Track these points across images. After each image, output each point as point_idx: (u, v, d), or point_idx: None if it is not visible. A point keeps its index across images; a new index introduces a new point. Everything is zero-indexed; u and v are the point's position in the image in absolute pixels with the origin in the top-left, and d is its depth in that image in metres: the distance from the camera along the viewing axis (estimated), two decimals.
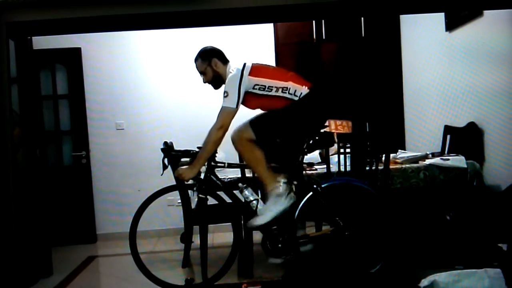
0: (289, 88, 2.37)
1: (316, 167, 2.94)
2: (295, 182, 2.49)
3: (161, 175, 2.62)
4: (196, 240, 2.72)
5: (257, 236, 2.65)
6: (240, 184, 2.50)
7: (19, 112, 2.96)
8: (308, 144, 2.53)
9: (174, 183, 2.82)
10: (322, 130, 2.60)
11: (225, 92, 2.37)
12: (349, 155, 2.70)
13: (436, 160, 2.86)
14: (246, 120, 2.39)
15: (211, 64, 2.50)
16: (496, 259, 2.15)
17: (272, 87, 2.38)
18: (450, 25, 3.32)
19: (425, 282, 2.07)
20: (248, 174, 2.71)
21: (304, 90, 2.37)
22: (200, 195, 2.45)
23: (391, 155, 2.81)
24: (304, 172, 2.57)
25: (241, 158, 2.63)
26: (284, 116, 2.39)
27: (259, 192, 2.60)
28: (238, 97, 2.34)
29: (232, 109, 2.34)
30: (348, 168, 2.69)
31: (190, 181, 2.50)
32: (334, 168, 2.72)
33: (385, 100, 4.30)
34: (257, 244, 2.63)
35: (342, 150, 2.69)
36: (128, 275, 2.96)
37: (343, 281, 2.49)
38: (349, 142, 2.76)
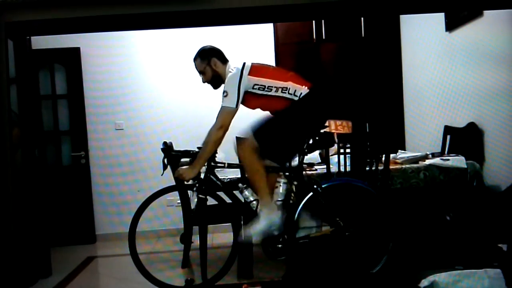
0: (289, 88, 2.36)
1: (316, 167, 2.93)
2: (295, 183, 2.49)
3: (161, 175, 2.62)
4: (196, 240, 2.71)
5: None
6: (240, 185, 2.50)
7: (18, 112, 2.95)
8: (308, 145, 2.52)
9: (174, 183, 2.81)
10: (322, 131, 2.60)
11: (224, 91, 2.36)
12: (349, 155, 2.70)
13: (436, 161, 2.86)
14: (249, 128, 2.37)
15: (210, 63, 2.49)
16: (496, 259, 2.15)
17: (272, 87, 2.37)
18: (450, 25, 3.32)
19: (425, 282, 2.07)
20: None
21: (304, 90, 2.36)
22: (200, 196, 2.44)
23: (391, 155, 2.81)
24: (304, 172, 2.57)
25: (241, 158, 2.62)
26: (285, 120, 2.38)
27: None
28: (238, 96, 2.34)
29: (232, 108, 2.34)
30: (348, 169, 2.69)
31: (190, 182, 2.50)
32: (334, 168, 2.72)
33: (385, 100, 4.30)
34: (257, 245, 2.63)
35: (342, 151, 2.68)
36: (128, 275, 2.95)
37: (343, 281, 2.49)
38: (349, 143, 2.76)
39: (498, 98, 2.78)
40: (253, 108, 2.49)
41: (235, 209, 2.57)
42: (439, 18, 3.41)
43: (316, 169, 2.88)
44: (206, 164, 2.43)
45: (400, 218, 2.56)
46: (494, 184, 2.80)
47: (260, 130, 2.36)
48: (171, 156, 2.73)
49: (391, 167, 2.72)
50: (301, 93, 2.36)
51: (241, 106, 2.40)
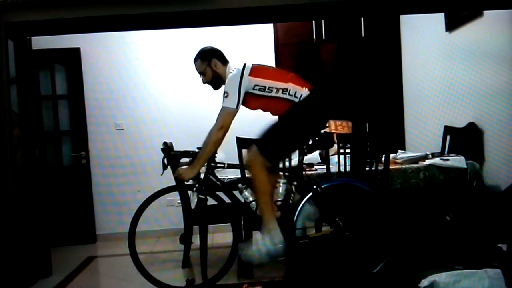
0: (289, 90, 2.36)
1: (316, 167, 2.94)
2: (295, 183, 2.49)
3: (161, 175, 2.62)
4: (196, 240, 2.72)
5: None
6: (240, 185, 2.50)
7: (18, 113, 2.96)
8: (308, 145, 2.52)
9: (174, 183, 2.81)
10: (322, 131, 2.59)
11: (225, 92, 2.36)
12: (349, 155, 2.70)
13: (436, 161, 2.86)
14: (255, 140, 2.34)
15: (210, 64, 2.49)
16: (496, 259, 2.15)
17: (272, 88, 2.37)
18: (450, 26, 3.33)
19: (425, 282, 2.07)
20: (248, 174, 2.71)
21: (304, 91, 2.36)
22: (200, 196, 2.44)
23: (391, 155, 2.81)
24: (304, 172, 2.57)
25: (241, 159, 2.62)
26: (286, 122, 2.36)
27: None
28: (238, 97, 2.34)
29: (232, 109, 2.34)
30: (348, 169, 2.69)
31: (190, 182, 2.50)
32: (334, 168, 2.72)
33: (385, 101, 4.30)
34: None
35: (342, 151, 2.68)
36: (128, 275, 2.95)
37: (343, 282, 2.49)
38: (349, 143, 2.76)
39: (498, 98, 2.78)
40: (254, 109, 2.49)
41: (235, 209, 2.57)
42: (439, 18, 3.41)
43: (316, 169, 2.89)
44: (206, 164, 2.43)
45: (400, 218, 2.56)
46: (494, 184, 2.80)
47: (263, 143, 2.32)
48: (171, 156, 2.74)
49: (391, 167, 2.72)
50: (301, 95, 2.35)
51: (241, 107, 2.40)
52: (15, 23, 2.01)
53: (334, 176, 2.69)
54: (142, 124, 4.25)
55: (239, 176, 2.71)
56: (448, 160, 2.85)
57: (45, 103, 4.15)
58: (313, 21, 4.23)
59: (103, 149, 4.24)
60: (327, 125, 2.92)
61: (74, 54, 4.14)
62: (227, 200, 2.55)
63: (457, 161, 2.83)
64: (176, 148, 3.23)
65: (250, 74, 2.38)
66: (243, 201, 2.50)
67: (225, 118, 2.34)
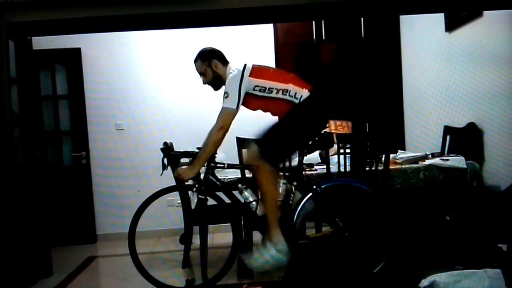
0: (289, 91, 2.36)
1: (316, 167, 2.94)
2: (294, 183, 2.49)
3: (161, 175, 2.63)
4: (196, 240, 2.72)
5: (257, 236, 2.65)
6: (239, 185, 2.50)
7: (19, 113, 2.96)
8: (308, 145, 2.53)
9: (174, 184, 2.82)
10: (322, 131, 2.59)
11: (225, 92, 2.36)
12: (349, 155, 2.70)
13: (436, 161, 2.86)
14: (257, 145, 2.34)
15: (211, 65, 2.49)
16: (496, 259, 2.15)
17: (273, 89, 2.37)
18: (450, 26, 3.33)
19: (425, 282, 2.08)
20: (248, 174, 2.71)
21: (304, 93, 2.36)
22: (200, 196, 2.44)
23: (391, 155, 2.81)
24: (303, 172, 2.57)
25: (241, 159, 2.63)
26: (286, 123, 2.37)
27: (258, 192, 2.60)
28: (239, 98, 2.34)
29: (233, 109, 2.34)
30: (348, 169, 2.69)
31: (190, 182, 2.50)
32: (334, 168, 2.72)
33: (384, 101, 4.30)
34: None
35: (342, 151, 2.68)
36: (128, 275, 2.95)
37: (342, 282, 2.49)
38: (349, 143, 2.76)
39: (497, 98, 2.78)
40: (254, 110, 2.49)
41: (235, 209, 2.57)
42: (438, 18, 3.41)
43: (316, 170, 2.89)
44: (206, 164, 2.44)
45: (400, 218, 2.57)
46: (494, 184, 2.80)
47: (266, 149, 2.33)
48: (171, 156, 2.74)
49: (391, 167, 2.72)
50: (301, 96, 2.35)
51: (241, 107, 2.40)
52: (15, 23, 2.01)
53: (334, 176, 2.69)
54: (143, 124, 4.25)
55: (239, 176, 2.72)
56: (448, 160, 2.85)
57: (45, 103, 4.15)
58: (313, 22, 4.23)
59: (104, 149, 4.24)
60: (327, 125, 2.92)
61: (74, 54, 4.15)
62: (227, 200, 2.55)
63: (457, 161, 2.83)
64: (177, 148, 3.23)
65: (250, 75, 2.38)
66: (243, 201, 2.50)
67: (225, 119, 2.34)
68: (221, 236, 3.66)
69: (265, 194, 2.34)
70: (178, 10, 2.05)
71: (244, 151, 2.44)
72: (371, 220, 2.50)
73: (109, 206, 4.22)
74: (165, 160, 2.74)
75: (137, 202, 2.56)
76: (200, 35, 3.83)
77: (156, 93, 4.27)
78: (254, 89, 2.38)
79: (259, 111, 2.50)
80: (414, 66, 4.08)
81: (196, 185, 2.45)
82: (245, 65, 2.40)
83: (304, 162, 2.66)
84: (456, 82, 3.27)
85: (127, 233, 2.50)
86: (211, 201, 2.51)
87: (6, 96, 1.98)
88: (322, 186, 2.47)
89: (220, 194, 2.53)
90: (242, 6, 2.04)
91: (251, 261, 2.33)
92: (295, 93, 2.36)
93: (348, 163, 2.69)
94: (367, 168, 2.66)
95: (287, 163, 2.62)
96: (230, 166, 2.50)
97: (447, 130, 3.37)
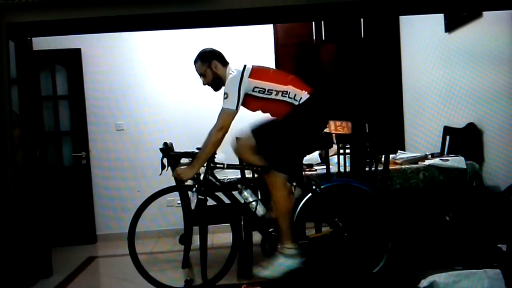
0: (289, 92, 2.36)
1: (315, 167, 2.94)
2: (294, 183, 2.49)
3: (160, 175, 2.63)
4: (196, 241, 2.72)
5: (256, 237, 2.65)
6: (239, 185, 2.50)
7: (19, 113, 2.96)
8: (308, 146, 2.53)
9: (174, 184, 2.82)
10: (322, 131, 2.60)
11: (225, 93, 2.37)
12: (348, 156, 2.71)
13: (436, 161, 2.86)
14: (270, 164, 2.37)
15: (210, 66, 2.49)
16: (496, 259, 2.15)
17: (272, 90, 2.37)
18: (450, 26, 3.33)
19: (424, 282, 2.08)
20: (248, 175, 2.72)
21: (304, 95, 2.36)
22: (199, 196, 2.45)
23: (391, 155, 2.81)
24: (303, 173, 2.57)
25: (240, 160, 2.63)
26: (287, 131, 2.37)
27: (258, 193, 2.60)
28: (238, 98, 2.34)
29: (232, 110, 2.34)
30: (348, 169, 2.70)
31: (190, 182, 2.50)
32: (334, 169, 2.72)
33: (384, 101, 4.30)
34: (256, 245, 2.64)
35: (341, 151, 2.69)
36: (128, 275, 2.95)
37: (342, 282, 2.49)
38: (349, 143, 2.76)
39: (497, 99, 2.78)
40: (253, 110, 2.50)
41: (234, 210, 2.57)
42: (438, 19, 3.41)
43: (315, 170, 2.89)
44: (205, 165, 2.44)
45: (400, 218, 2.57)
46: (493, 184, 2.80)
47: (274, 157, 2.36)
48: (171, 156, 2.74)
49: (390, 167, 2.72)
50: (301, 98, 2.35)
51: (241, 108, 2.40)
52: (16, 24, 2.02)
53: (333, 177, 2.70)
54: (143, 124, 4.25)
55: (239, 176, 2.72)
56: (447, 160, 2.86)
57: (45, 104, 4.15)
58: (313, 22, 4.24)
59: (104, 150, 4.25)
60: (327, 125, 2.93)
61: (74, 55, 4.15)
62: (227, 201, 2.56)
63: (457, 161, 2.84)
64: (177, 148, 3.23)
65: (250, 76, 2.38)
66: (242, 201, 2.51)
67: (225, 119, 2.34)
68: (220, 236, 3.67)
69: (280, 207, 2.37)
70: (178, 11, 2.05)
71: (237, 143, 2.45)
72: (370, 221, 2.50)
73: (109, 207, 4.22)
74: (165, 160, 2.74)
75: (137, 202, 2.56)
76: (200, 36, 3.83)
77: (156, 93, 4.27)
78: (253, 90, 2.38)
79: (259, 112, 2.50)
80: (414, 67, 4.08)
81: (196, 186, 2.45)
82: (244, 66, 2.40)
83: (303, 162, 2.67)
84: (456, 82, 3.27)
85: (127, 233, 2.50)
86: (210, 202, 2.51)
87: (6, 96, 1.99)
88: (322, 186, 2.47)
89: (220, 195, 2.53)
90: (242, 6, 2.05)
91: (267, 272, 2.35)
92: (295, 95, 2.36)
93: (347, 164, 2.70)
94: (367, 169, 2.66)
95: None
96: (230, 167, 2.50)
97: (447, 130, 3.37)
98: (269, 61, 4.20)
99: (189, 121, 4.15)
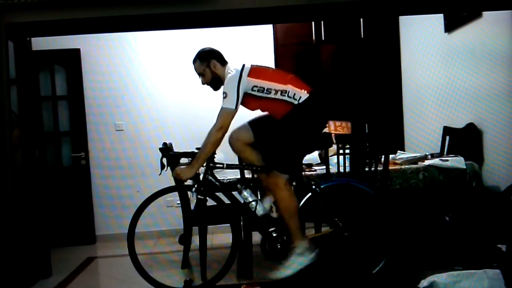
0: (288, 91, 2.36)
1: (315, 167, 2.94)
2: (294, 183, 2.49)
3: (159, 174, 2.62)
4: (195, 241, 2.72)
5: (256, 237, 2.65)
6: (239, 185, 2.50)
7: (18, 113, 2.96)
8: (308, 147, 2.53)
9: (173, 184, 2.82)
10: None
11: (224, 93, 2.36)
12: (348, 156, 2.71)
13: (435, 161, 2.86)
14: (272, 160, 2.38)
15: (209, 65, 2.49)
16: (496, 260, 2.15)
17: (271, 89, 2.37)
18: (449, 26, 3.33)
19: (424, 283, 2.08)
20: (247, 175, 2.71)
21: (303, 94, 2.36)
22: (199, 196, 2.44)
23: (390, 156, 2.82)
24: (303, 173, 2.57)
25: (240, 159, 2.63)
26: (288, 132, 2.37)
27: (258, 193, 2.60)
28: (237, 98, 2.34)
29: (232, 110, 2.34)
30: (348, 169, 2.70)
31: (189, 182, 2.50)
32: (333, 169, 2.72)
33: (384, 101, 4.30)
34: (256, 245, 2.63)
35: (341, 151, 2.69)
36: (128, 276, 2.95)
37: (342, 282, 2.49)
38: (348, 143, 2.76)
39: (497, 99, 2.78)
40: (253, 110, 2.50)
41: (234, 210, 2.57)
42: (438, 19, 3.41)
43: (315, 170, 2.89)
44: (205, 165, 2.44)
45: (400, 218, 2.57)
46: (493, 184, 2.81)
47: (280, 161, 2.38)
48: (170, 156, 2.74)
49: (390, 167, 2.72)
50: (300, 97, 2.35)
51: (240, 107, 2.40)
52: (15, 24, 2.01)
53: (333, 177, 2.70)
54: (142, 124, 4.25)
55: (238, 176, 2.72)
56: (447, 160, 2.86)
57: (45, 104, 4.15)
58: (313, 22, 4.24)
59: (103, 150, 4.24)
60: (326, 125, 2.93)
61: (74, 55, 4.14)
62: (226, 201, 2.55)
63: (456, 161, 2.84)
64: (176, 148, 3.23)
65: (249, 75, 2.37)
66: (242, 201, 2.50)
67: (225, 119, 2.34)
68: (220, 236, 3.66)
69: (287, 208, 2.37)
70: (178, 11, 2.05)
71: (234, 135, 2.45)
72: (370, 221, 2.50)
73: (108, 207, 4.22)
74: (164, 160, 2.74)
75: (136, 202, 2.56)
76: (200, 36, 3.83)
77: (156, 93, 4.27)
78: (252, 89, 2.38)
79: (258, 111, 2.50)
80: (414, 67, 4.08)
81: (195, 186, 2.45)
82: (243, 65, 2.40)
83: (303, 162, 2.67)
84: (456, 82, 3.27)
85: (126, 233, 2.49)
86: (210, 202, 2.51)
87: (6, 96, 1.99)
88: (322, 186, 2.47)
89: (220, 195, 2.53)
90: (242, 6, 2.05)
91: (289, 272, 2.36)
92: (294, 94, 2.36)
93: (347, 164, 2.69)
94: (367, 169, 2.66)
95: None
96: (229, 167, 2.50)
97: (447, 130, 3.37)
98: (269, 61, 4.20)
99: (188, 121, 4.15)
